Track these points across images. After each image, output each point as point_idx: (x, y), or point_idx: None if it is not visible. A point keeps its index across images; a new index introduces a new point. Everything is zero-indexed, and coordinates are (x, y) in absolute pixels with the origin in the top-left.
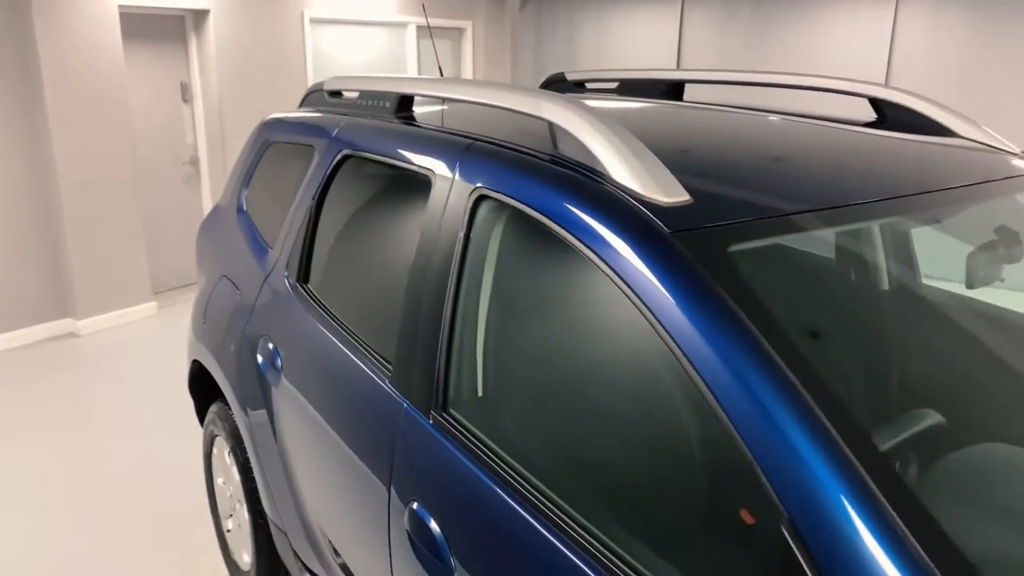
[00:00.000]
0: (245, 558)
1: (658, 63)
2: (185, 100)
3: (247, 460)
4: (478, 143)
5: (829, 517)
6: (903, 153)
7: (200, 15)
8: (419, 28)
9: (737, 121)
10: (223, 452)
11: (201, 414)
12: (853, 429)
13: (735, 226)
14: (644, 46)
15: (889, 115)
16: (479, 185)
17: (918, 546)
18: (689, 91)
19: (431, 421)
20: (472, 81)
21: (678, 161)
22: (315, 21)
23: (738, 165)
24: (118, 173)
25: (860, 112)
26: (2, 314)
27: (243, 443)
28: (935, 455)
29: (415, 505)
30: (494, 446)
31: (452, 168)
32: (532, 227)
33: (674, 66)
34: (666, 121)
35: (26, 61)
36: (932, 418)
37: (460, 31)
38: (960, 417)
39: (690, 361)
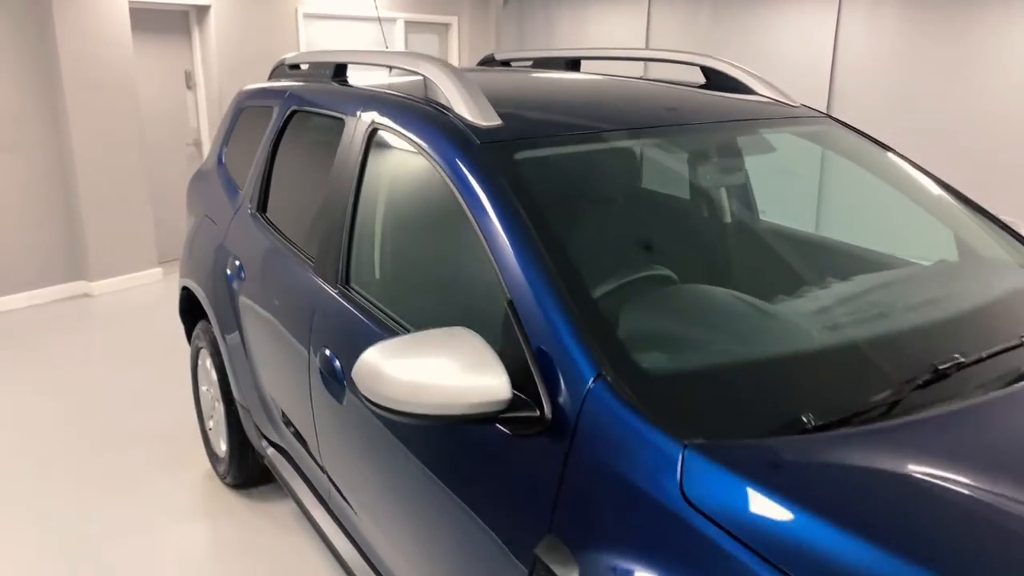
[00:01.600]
0: (222, 446)
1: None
2: (189, 87)
3: (223, 364)
4: (375, 93)
5: (546, 329)
6: (692, 100)
7: (202, 10)
8: (407, 23)
9: (582, 81)
10: (205, 362)
11: (190, 337)
12: (575, 277)
13: (523, 140)
14: (615, 39)
15: (712, 79)
16: (373, 121)
17: (599, 349)
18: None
19: (337, 292)
20: (381, 52)
21: (509, 101)
22: (308, 16)
23: (548, 105)
24: (127, 152)
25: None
26: (25, 275)
27: (219, 351)
28: (654, 294)
29: (326, 351)
30: (380, 304)
31: (357, 111)
32: (406, 148)
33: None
34: (527, 82)
35: (47, 50)
36: (661, 271)
37: (446, 26)
38: (688, 274)
39: (480, 229)
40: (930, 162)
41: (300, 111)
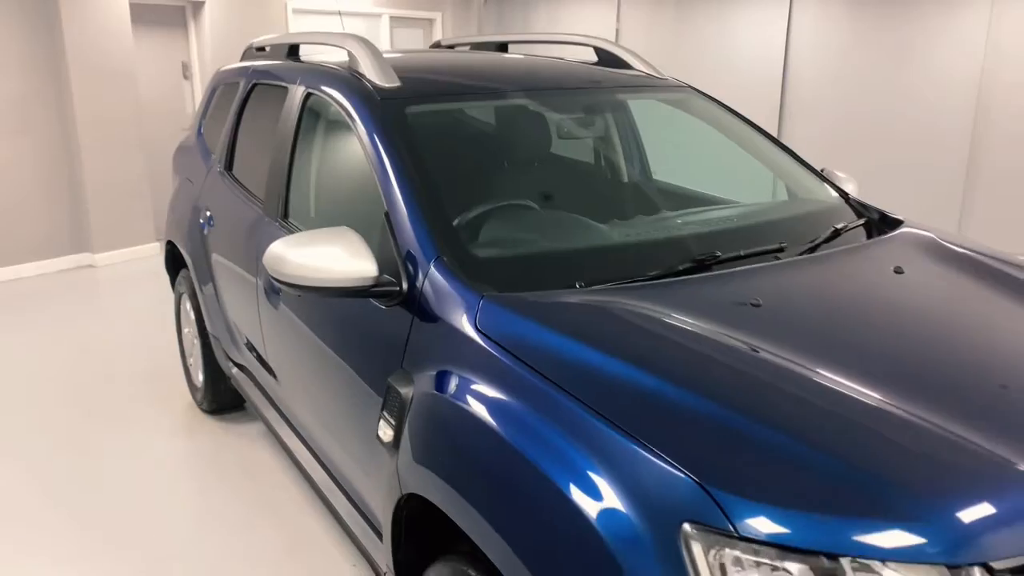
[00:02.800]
0: (199, 377)
1: None
2: (185, 77)
3: (199, 306)
4: (312, 66)
5: (406, 230)
6: (572, 70)
7: (198, 5)
8: (392, 18)
9: (485, 57)
10: (185, 305)
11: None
12: (433, 197)
13: (414, 97)
14: (587, 30)
15: (602, 57)
16: (307, 87)
17: (440, 242)
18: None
19: (278, 225)
20: (323, 32)
21: (415, 70)
22: (297, 11)
23: (446, 73)
24: (127, 135)
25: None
26: (33, 247)
27: (196, 294)
28: (509, 213)
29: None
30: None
31: (296, 81)
32: (330, 105)
33: None
34: (439, 58)
35: (54, 41)
36: (524, 201)
37: (430, 21)
38: (546, 204)
39: (373, 163)
40: (874, 139)
41: (259, 84)
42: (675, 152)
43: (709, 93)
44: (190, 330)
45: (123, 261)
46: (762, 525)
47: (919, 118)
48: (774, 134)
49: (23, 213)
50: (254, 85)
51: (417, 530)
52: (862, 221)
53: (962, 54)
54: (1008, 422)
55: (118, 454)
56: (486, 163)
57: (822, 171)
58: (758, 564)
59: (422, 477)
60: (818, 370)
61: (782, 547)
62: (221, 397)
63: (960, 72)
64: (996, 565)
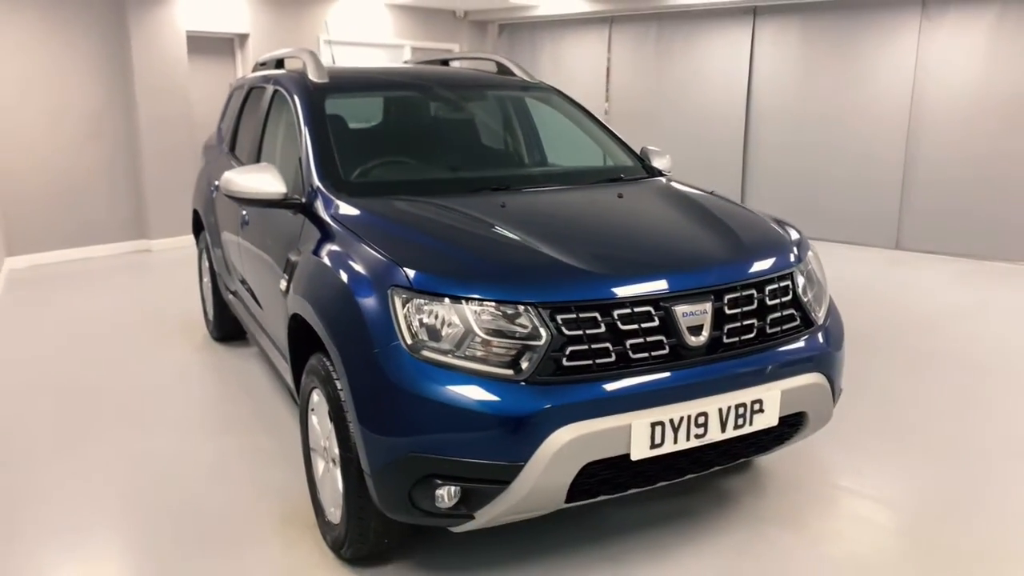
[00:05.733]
0: (210, 312)
1: (593, 73)
2: None
3: (210, 256)
4: (281, 72)
5: (309, 169)
6: (463, 75)
7: (243, 37)
8: (413, 49)
9: (405, 67)
10: (203, 260)
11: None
12: (328, 151)
13: (333, 89)
14: (584, 58)
15: (500, 69)
16: (275, 85)
17: (327, 174)
18: None
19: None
20: (294, 48)
21: (344, 74)
22: (329, 43)
23: (366, 77)
24: (180, 144)
25: None
26: (102, 232)
27: (209, 248)
28: (387, 163)
29: (243, 212)
30: None
31: (271, 82)
32: (285, 96)
33: (604, 74)
34: (377, 68)
35: (124, 64)
36: (403, 159)
37: (449, 51)
38: (420, 163)
39: (298, 128)
40: (825, 143)
41: (254, 87)
42: (537, 130)
43: (678, 106)
44: (206, 279)
45: (174, 247)
46: (425, 284)
47: (861, 125)
48: (741, 140)
49: (95, 205)
50: (251, 89)
51: (298, 340)
52: (626, 174)
53: (896, 74)
54: (590, 251)
55: (154, 363)
56: (374, 131)
57: (642, 149)
58: (421, 305)
59: (297, 300)
60: (499, 227)
61: (434, 294)
62: (226, 325)
63: (895, 91)
64: (540, 305)
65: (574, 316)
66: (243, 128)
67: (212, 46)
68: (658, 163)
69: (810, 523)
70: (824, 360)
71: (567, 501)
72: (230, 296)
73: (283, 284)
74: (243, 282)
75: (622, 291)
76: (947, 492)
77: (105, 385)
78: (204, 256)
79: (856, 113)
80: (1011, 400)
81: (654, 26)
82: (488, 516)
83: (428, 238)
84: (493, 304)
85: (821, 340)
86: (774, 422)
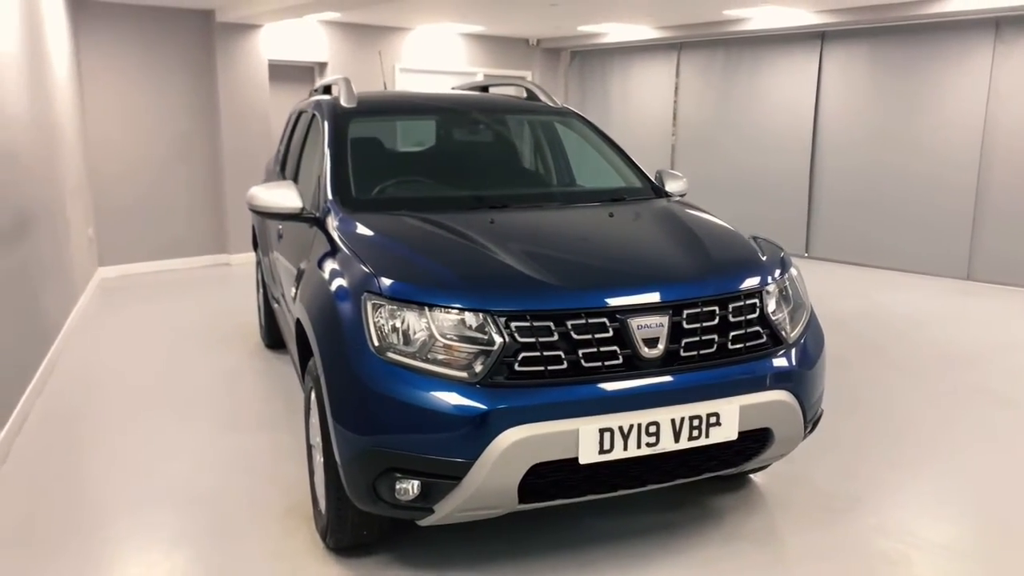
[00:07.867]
0: (261, 319)
1: (662, 100)
2: None
3: (261, 268)
4: (318, 98)
5: (326, 186)
6: (493, 100)
7: (322, 65)
8: (486, 76)
9: (437, 93)
10: (258, 274)
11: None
12: (344, 171)
13: (358, 113)
14: (652, 85)
15: (528, 94)
16: (313, 110)
17: (340, 190)
18: None
19: None
20: (333, 77)
21: (374, 99)
22: (403, 70)
23: (393, 101)
24: (260, 165)
25: None
26: (187, 247)
27: (259, 259)
28: (402, 181)
29: (279, 226)
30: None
31: (311, 107)
32: (319, 122)
33: (672, 100)
34: (407, 93)
35: (211, 92)
36: (421, 178)
37: (522, 78)
38: (437, 182)
39: (322, 149)
40: (893, 170)
41: (302, 112)
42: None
43: (744, 132)
44: (261, 290)
45: (251, 262)
46: (394, 291)
47: (928, 160)
48: (807, 166)
49: (181, 221)
50: (300, 113)
51: (303, 345)
52: (631, 195)
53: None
54: (555, 265)
55: (208, 365)
56: (394, 152)
57: (657, 172)
58: (392, 311)
59: (299, 307)
60: (480, 241)
61: (402, 301)
62: (274, 332)
63: (967, 117)
64: (496, 313)
65: (528, 324)
66: (291, 149)
67: (293, 73)
68: (670, 186)
69: (788, 543)
70: (792, 378)
71: (521, 501)
72: (274, 304)
73: (292, 292)
74: (281, 292)
75: (576, 302)
76: (945, 532)
77: (161, 382)
78: (258, 269)
79: (926, 140)
80: None
81: (721, 52)
82: (445, 511)
83: (407, 250)
84: (455, 311)
85: (790, 359)
86: (733, 436)
